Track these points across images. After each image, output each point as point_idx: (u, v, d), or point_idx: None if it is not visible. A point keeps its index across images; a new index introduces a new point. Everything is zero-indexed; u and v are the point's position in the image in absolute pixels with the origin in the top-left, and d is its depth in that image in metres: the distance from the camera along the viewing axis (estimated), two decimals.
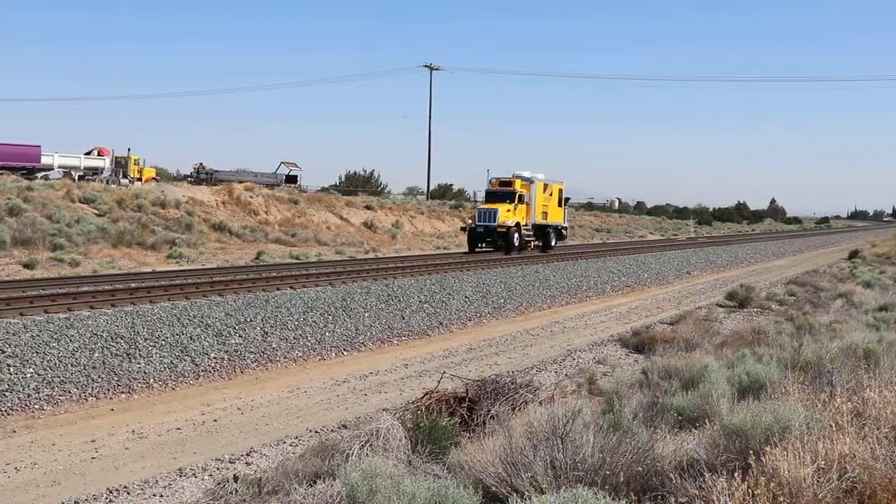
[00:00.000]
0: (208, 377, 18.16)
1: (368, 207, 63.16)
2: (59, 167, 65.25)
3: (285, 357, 20.22)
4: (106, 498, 10.85)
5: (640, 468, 7.01)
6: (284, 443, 13.37)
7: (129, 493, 11.03)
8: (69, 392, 15.84)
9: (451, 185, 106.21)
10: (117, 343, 17.77)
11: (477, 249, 42.57)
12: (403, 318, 25.01)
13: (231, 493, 9.83)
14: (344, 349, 21.79)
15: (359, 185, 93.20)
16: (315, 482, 8.92)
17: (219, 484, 10.30)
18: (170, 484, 11.45)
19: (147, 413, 15.32)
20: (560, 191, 47.02)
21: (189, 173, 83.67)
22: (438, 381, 13.08)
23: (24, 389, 15.31)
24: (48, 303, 19.81)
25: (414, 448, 9.98)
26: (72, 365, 16.50)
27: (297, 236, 48.64)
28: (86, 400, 15.86)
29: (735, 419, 7.51)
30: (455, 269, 33.32)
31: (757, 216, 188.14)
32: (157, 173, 76.66)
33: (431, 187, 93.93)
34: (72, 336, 17.36)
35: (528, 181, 44.18)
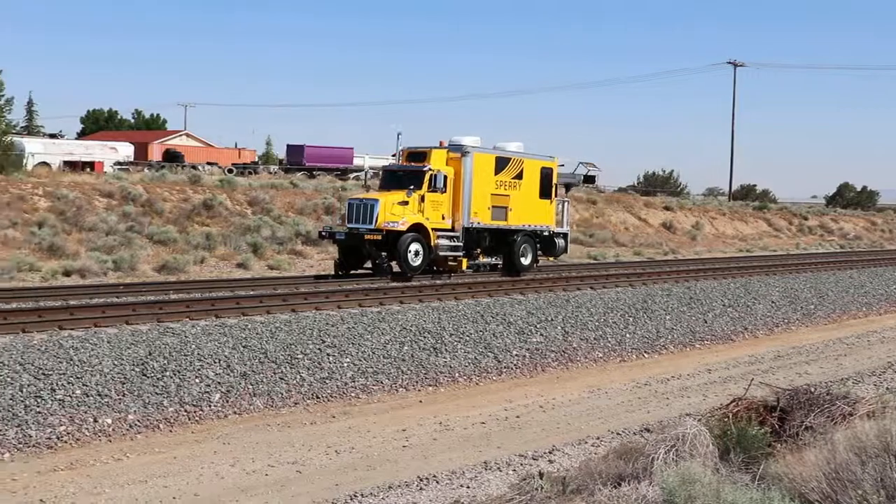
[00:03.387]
0: (510, 374, 18.51)
1: (667, 208, 61.98)
2: (369, 168, 69.14)
3: (585, 357, 20.23)
4: (416, 485, 11.29)
5: None
6: (586, 443, 13.35)
7: (437, 482, 11.43)
8: (381, 382, 16.68)
9: (755, 185, 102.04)
10: (425, 337, 18.51)
11: (342, 274, 25.37)
12: (706, 322, 24.30)
13: (536, 489, 9.92)
14: (644, 351, 21.50)
15: (657, 185, 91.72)
16: (619, 484, 8.81)
17: (523, 479, 10.41)
18: (476, 476, 11.74)
19: (453, 406, 15.84)
20: (545, 173, 28.76)
21: None
22: (746, 388, 12.54)
23: (341, 378, 16.30)
24: (362, 297, 20.97)
25: (722, 456, 9.63)
26: (383, 357, 17.37)
27: (594, 236, 48.57)
28: (396, 391, 16.64)
29: None
30: (760, 273, 31.96)
31: None
32: None
33: (734, 188, 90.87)
34: (383, 329, 18.28)
35: (460, 150, 26.54)
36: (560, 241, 29.45)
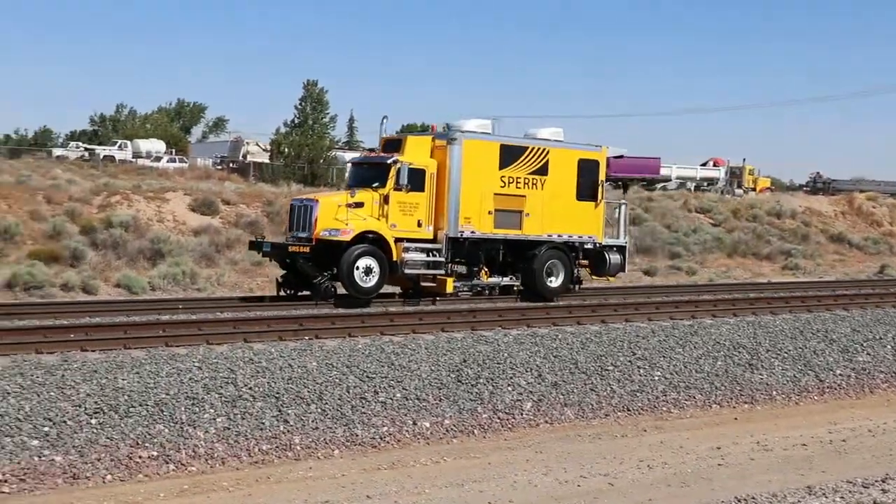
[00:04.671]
0: (833, 394, 17.41)
1: None
2: (676, 178, 67.76)
3: None
4: None
5: None
6: None
7: None
8: (693, 397, 16.21)
9: None
10: (739, 352, 17.81)
11: (288, 294, 20.49)
12: None
13: None
14: None
15: None
16: None
17: None
18: (799, 501, 11.04)
19: (770, 425, 15.10)
20: (587, 166, 22.66)
21: (804, 183, 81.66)
22: None
23: (652, 391, 16.01)
24: (672, 309, 20.50)
25: None
26: (695, 371, 16.88)
27: None
28: (709, 406, 16.11)
29: None
30: None
31: None
32: (772, 183, 75.97)
33: None
34: (695, 343, 17.77)
35: (446, 137, 20.90)
36: (614, 257, 22.79)
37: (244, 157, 55.42)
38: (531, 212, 21.52)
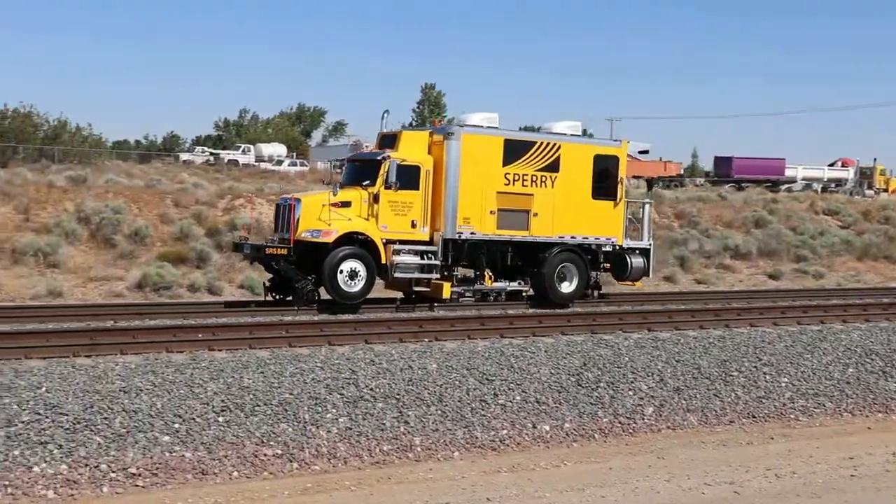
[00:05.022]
0: None
1: None
2: (802, 179, 65.86)
3: None
4: None
5: None
6: None
7: None
8: (823, 405, 15.66)
9: None
10: (872, 359, 17.15)
11: (275, 300, 19.47)
12: None
13: None
14: None
15: None
16: None
17: None
18: None
19: None
20: (604, 163, 21.32)
21: None
22: None
23: (779, 398, 15.53)
24: (800, 314, 19.89)
25: None
26: (825, 378, 16.32)
27: None
28: (840, 415, 15.55)
29: None
30: None
31: None
32: None
33: None
34: (825, 349, 17.18)
35: (444, 132, 19.84)
36: (636, 260, 21.43)
37: None
38: (540, 211, 20.26)
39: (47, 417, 11.21)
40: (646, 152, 23.65)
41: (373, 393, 13.17)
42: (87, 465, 10.72)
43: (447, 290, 19.35)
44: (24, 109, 53.93)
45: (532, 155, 20.19)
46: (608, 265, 21.65)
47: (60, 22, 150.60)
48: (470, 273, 20.52)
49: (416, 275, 19.18)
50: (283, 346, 14.44)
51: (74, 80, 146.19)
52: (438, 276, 19.39)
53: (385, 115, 20.88)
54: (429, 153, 19.68)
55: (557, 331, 16.91)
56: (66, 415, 11.30)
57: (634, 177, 26.89)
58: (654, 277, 27.53)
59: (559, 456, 12.78)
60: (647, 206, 22.80)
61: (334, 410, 12.64)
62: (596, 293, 21.84)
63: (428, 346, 15.21)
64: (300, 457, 11.80)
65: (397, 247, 18.89)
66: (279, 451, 11.76)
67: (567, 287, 20.53)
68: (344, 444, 12.20)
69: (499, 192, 19.83)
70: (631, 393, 14.70)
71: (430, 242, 19.40)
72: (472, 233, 19.62)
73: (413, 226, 19.25)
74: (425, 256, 19.22)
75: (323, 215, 18.41)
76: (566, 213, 20.55)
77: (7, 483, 10.23)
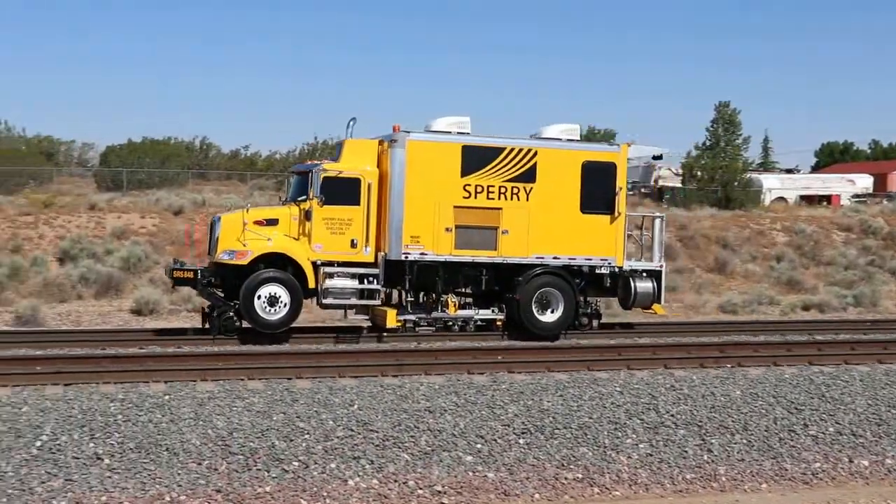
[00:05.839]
0: None
1: None
2: None
3: None
4: None
5: None
6: None
7: None
8: None
9: None
10: None
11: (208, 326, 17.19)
12: None
13: None
14: None
15: None
16: None
17: None
18: None
19: None
20: (595, 170, 18.01)
21: None
22: None
23: None
24: None
25: None
26: None
27: None
28: None
29: None
30: None
31: None
32: None
33: None
34: None
35: (389, 140, 17.31)
36: (642, 284, 18.20)
37: (656, 181, 55.34)
38: (511, 228, 17.51)
39: (359, 434, 11.78)
40: (660, 157, 21.22)
41: (674, 419, 12.84)
42: (396, 481, 11.17)
43: (391, 317, 17.13)
44: None
45: (500, 163, 17.59)
46: (612, 290, 18.57)
47: None
48: (415, 298, 18.15)
49: (354, 301, 17.15)
50: (581, 370, 14.38)
51: None
52: (379, 302, 17.46)
53: (351, 122, 18.48)
54: (378, 165, 17.57)
55: (874, 358, 15.76)
56: (377, 431, 11.84)
57: None
58: None
59: (881, 494, 11.95)
60: (658, 221, 19.54)
61: (634, 436, 12.43)
62: (594, 323, 18.93)
63: (730, 372, 14.64)
64: (601, 482, 11.69)
65: (330, 269, 17.01)
66: (580, 475, 11.70)
67: (549, 316, 17.80)
68: (645, 470, 11.95)
69: (456, 207, 17.39)
70: None
71: (372, 264, 17.30)
72: (421, 253, 17.27)
73: (353, 245, 17.17)
74: (365, 280, 17.16)
75: (247, 235, 16.77)
76: (546, 230, 17.76)
77: (325, 494, 10.82)
